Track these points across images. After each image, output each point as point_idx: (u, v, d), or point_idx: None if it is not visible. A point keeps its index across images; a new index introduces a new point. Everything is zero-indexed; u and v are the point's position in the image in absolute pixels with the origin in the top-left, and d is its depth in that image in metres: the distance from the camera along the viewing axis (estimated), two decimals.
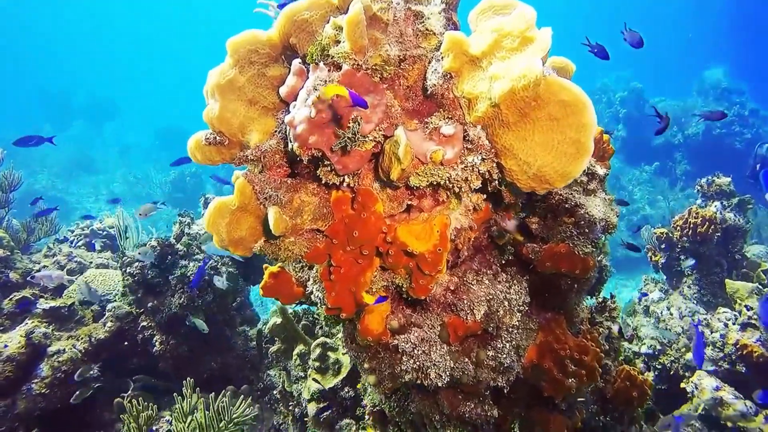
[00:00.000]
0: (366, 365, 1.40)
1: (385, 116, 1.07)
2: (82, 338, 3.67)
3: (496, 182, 1.11)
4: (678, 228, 4.74)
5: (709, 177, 5.12)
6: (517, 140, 0.99)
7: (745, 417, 3.74)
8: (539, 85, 0.89)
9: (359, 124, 0.98)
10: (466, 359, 1.41)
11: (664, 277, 5.34)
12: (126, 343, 3.95)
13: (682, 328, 4.43)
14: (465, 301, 1.36)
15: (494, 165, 1.07)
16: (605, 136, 1.62)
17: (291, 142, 1.01)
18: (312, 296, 1.49)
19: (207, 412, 3.15)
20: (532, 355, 1.60)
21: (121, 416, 3.09)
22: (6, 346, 3.10)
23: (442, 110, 1.09)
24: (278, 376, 3.82)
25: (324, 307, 1.31)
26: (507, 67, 0.93)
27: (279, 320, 3.24)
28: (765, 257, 5.85)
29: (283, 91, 1.08)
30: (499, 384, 1.45)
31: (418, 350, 1.34)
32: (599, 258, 1.75)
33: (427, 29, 1.11)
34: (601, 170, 1.45)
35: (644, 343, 4.54)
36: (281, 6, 1.10)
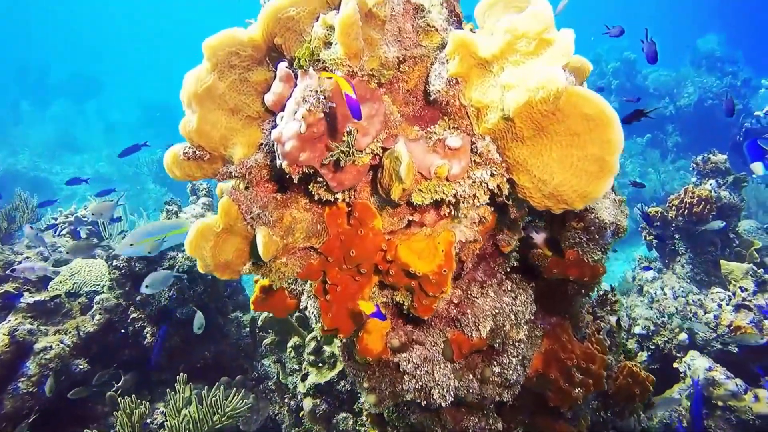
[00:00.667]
0: (365, 384, 1.32)
1: (383, 126, 0.96)
2: (70, 332, 3.58)
3: (504, 197, 1.01)
4: (673, 207, 4.70)
5: (705, 155, 5.05)
6: (531, 155, 0.89)
7: (736, 396, 3.78)
8: (560, 97, 0.78)
9: (354, 137, 0.87)
10: (471, 376, 1.34)
11: (657, 256, 5.33)
12: (116, 335, 3.87)
13: (676, 308, 4.43)
14: (469, 316, 1.28)
15: (505, 180, 0.96)
16: None
17: (279, 159, 0.90)
18: (307, 311, 1.40)
19: (200, 407, 3.10)
20: (538, 364, 1.53)
21: (114, 413, 3.03)
22: None
23: (446, 118, 0.98)
24: (273, 366, 3.78)
25: (320, 327, 1.22)
26: (522, 75, 0.82)
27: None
28: (755, 232, 5.86)
29: (269, 99, 0.96)
30: (505, 399, 1.39)
31: (420, 370, 1.26)
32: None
33: (428, 25, 0.99)
34: None
35: (638, 324, 4.55)
36: None
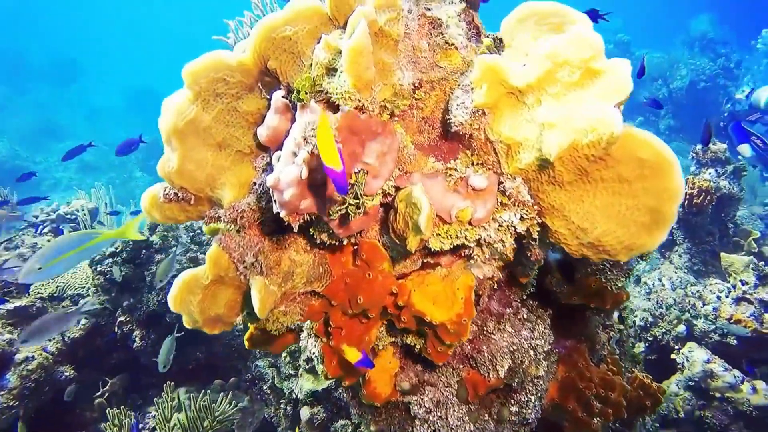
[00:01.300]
0: (372, 428, 1.22)
1: (396, 163, 0.83)
2: (54, 338, 3.44)
3: (532, 239, 0.89)
4: None
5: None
6: (570, 201, 0.77)
7: (734, 388, 3.77)
8: (614, 143, 0.66)
9: (363, 184, 0.74)
10: (486, 416, 1.24)
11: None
12: (104, 338, 3.74)
13: (675, 299, 4.40)
14: (485, 354, 1.17)
15: (536, 223, 0.84)
16: None
17: (276, 206, 0.77)
18: (307, 350, 1.29)
19: (189, 412, 3.00)
20: (553, 393, 1.44)
21: (102, 426, 2.92)
22: None
23: (468, 152, 0.85)
24: (267, 369, 3.68)
25: (323, 371, 1.10)
26: (566, 112, 0.69)
27: None
28: (747, 220, 5.84)
29: (263, 134, 0.82)
30: None
31: (433, 415, 1.16)
32: None
33: (447, 42, 0.85)
34: None
35: (636, 315, 4.52)
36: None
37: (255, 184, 0.86)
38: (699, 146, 4.89)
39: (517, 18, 0.81)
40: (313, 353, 1.22)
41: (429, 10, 0.86)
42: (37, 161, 13.21)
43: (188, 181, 0.82)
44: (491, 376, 1.17)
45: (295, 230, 0.80)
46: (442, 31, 0.85)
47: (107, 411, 2.99)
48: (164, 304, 3.44)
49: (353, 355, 0.91)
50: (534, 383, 1.24)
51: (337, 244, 0.91)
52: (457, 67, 0.86)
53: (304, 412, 2.71)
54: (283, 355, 3.13)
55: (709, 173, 4.73)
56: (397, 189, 0.85)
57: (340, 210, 0.73)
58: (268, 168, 0.84)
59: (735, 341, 4.02)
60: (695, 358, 4.07)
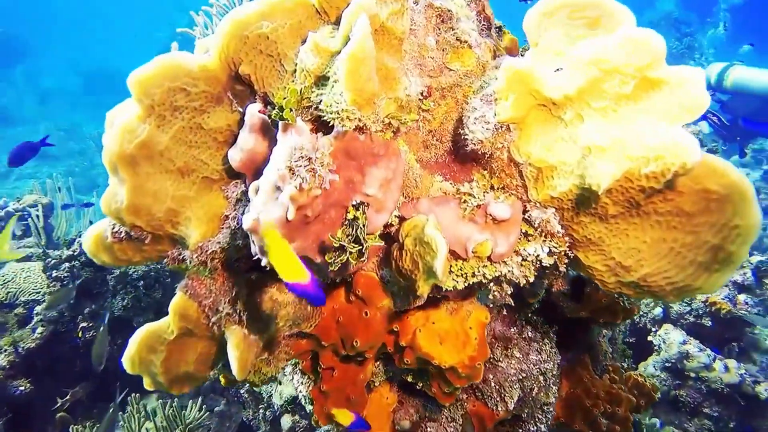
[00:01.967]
0: None
1: (401, 190, 0.68)
2: (5, 350, 3.18)
3: (555, 272, 0.76)
4: None
5: None
6: (611, 235, 0.64)
7: (708, 368, 3.85)
8: (683, 175, 0.53)
9: (366, 224, 0.59)
10: None
11: None
12: (65, 346, 3.49)
13: None
14: (492, 384, 1.06)
15: (564, 255, 0.71)
16: None
17: (256, 252, 0.61)
18: (293, 385, 1.14)
19: (158, 421, 2.84)
20: (558, 412, 1.35)
21: None
22: None
23: (486, 173, 0.71)
24: None
25: (314, 419, 0.96)
26: (619, 134, 0.55)
27: None
28: None
29: (236, 157, 0.65)
30: None
31: None
32: None
33: (458, 39, 0.70)
34: None
35: None
36: None
37: (227, 217, 0.70)
38: None
39: (545, 11, 0.67)
40: (300, 391, 1.08)
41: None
42: None
43: (144, 219, 0.65)
44: (499, 408, 1.06)
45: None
46: (452, 26, 0.70)
47: (71, 428, 2.79)
48: (131, 308, 3.22)
49: (345, 417, 0.78)
50: (544, 411, 1.14)
51: (329, 281, 0.77)
52: (470, 69, 0.71)
53: (285, 421, 2.57)
54: (288, 371, 2.98)
55: None
56: (402, 219, 0.71)
57: (339, 260, 0.58)
58: (244, 198, 0.68)
59: (710, 322, 4.09)
60: (672, 339, 4.12)
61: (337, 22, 0.60)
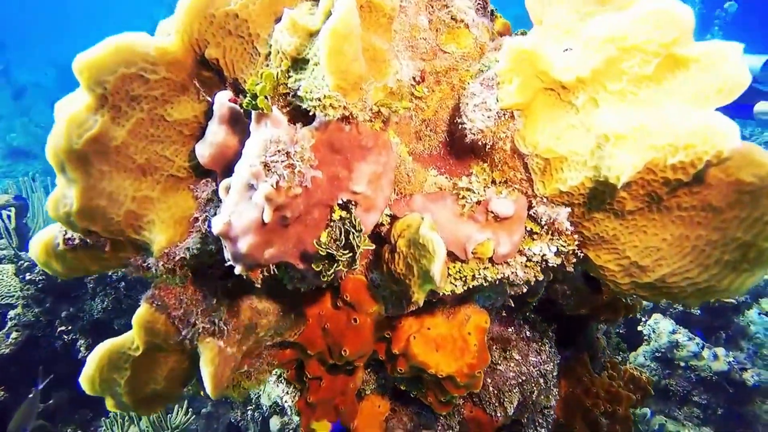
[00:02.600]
0: None
1: (392, 187, 0.61)
2: None
3: (562, 273, 0.70)
4: None
5: None
6: (627, 232, 0.58)
7: (697, 357, 3.86)
8: (716, 165, 0.46)
9: (358, 227, 0.52)
10: None
11: None
12: (43, 351, 3.37)
13: None
14: (491, 389, 1.00)
15: (573, 254, 0.65)
16: None
17: (229, 259, 0.53)
18: (275, 392, 1.07)
19: (141, 426, 2.75)
20: (558, 414, 1.30)
21: None
22: None
23: (486, 166, 0.64)
24: None
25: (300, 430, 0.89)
26: (640, 120, 0.49)
27: None
28: None
29: (204, 153, 0.57)
30: None
31: None
32: None
33: (453, 18, 0.63)
34: None
35: None
36: None
37: (197, 219, 0.62)
38: None
39: None
40: (285, 400, 1.00)
41: None
42: None
43: (99, 223, 0.57)
44: (498, 414, 1.00)
45: (258, 285, 0.57)
46: (446, 3, 0.63)
47: None
48: (111, 311, 3.11)
49: (323, 428, 0.71)
50: (544, 414, 1.09)
51: (314, 288, 0.69)
52: (467, 52, 0.64)
53: (274, 423, 2.50)
54: (272, 380, 2.90)
55: None
56: (393, 218, 0.63)
57: (332, 271, 0.51)
58: (215, 198, 0.60)
59: (698, 311, 4.10)
60: (661, 329, 4.13)
61: None
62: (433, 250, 0.54)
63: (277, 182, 0.49)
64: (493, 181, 0.63)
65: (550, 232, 0.63)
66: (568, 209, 0.60)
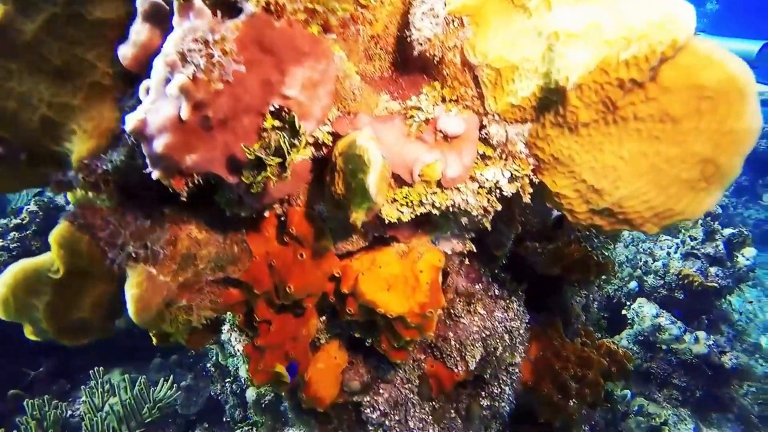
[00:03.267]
0: None
1: (333, 99, 0.56)
2: None
3: (518, 206, 0.66)
4: None
5: None
6: (584, 151, 0.54)
7: (678, 340, 3.88)
8: (671, 57, 0.42)
9: (289, 131, 0.47)
10: (453, 413, 1.05)
11: None
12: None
13: (627, 256, 4.44)
14: (452, 342, 0.97)
15: (528, 183, 0.61)
16: None
17: (147, 163, 0.49)
18: (231, 344, 1.04)
19: (124, 398, 2.72)
20: (526, 375, 1.27)
21: (18, 420, 2.58)
22: None
23: (437, 83, 0.60)
24: (211, 345, 3.41)
25: (247, 380, 0.86)
26: (594, 15, 0.44)
27: None
28: None
29: (127, 54, 0.53)
30: (492, 430, 1.12)
31: (390, 419, 0.95)
32: None
33: None
34: None
35: None
36: None
37: (124, 131, 0.57)
38: None
39: None
40: (237, 349, 0.97)
41: None
42: None
43: (9, 128, 0.52)
44: (459, 368, 0.97)
45: (184, 198, 0.52)
46: None
47: (25, 402, 2.66)
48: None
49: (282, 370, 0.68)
50: (509, 371, 1.06)
51: (255, 215, 0.65)
52: None
53: (250, 393, 2.48)
54: (225, 329, 2.87)
55: None
56: (336, 136, 0.59)
57: (255, 175, 0.46)
58: (138, 105, 0.56)
59: (682, 295, 4.11)
60: (645, 313, 4.14)
61: None
62: (368, 160, 0.50)
63: (194, 73, 0.44)
64: (444, 99, 0.59)
65: (503, 156, 0.59)
66: (521, 127, 0.56)
